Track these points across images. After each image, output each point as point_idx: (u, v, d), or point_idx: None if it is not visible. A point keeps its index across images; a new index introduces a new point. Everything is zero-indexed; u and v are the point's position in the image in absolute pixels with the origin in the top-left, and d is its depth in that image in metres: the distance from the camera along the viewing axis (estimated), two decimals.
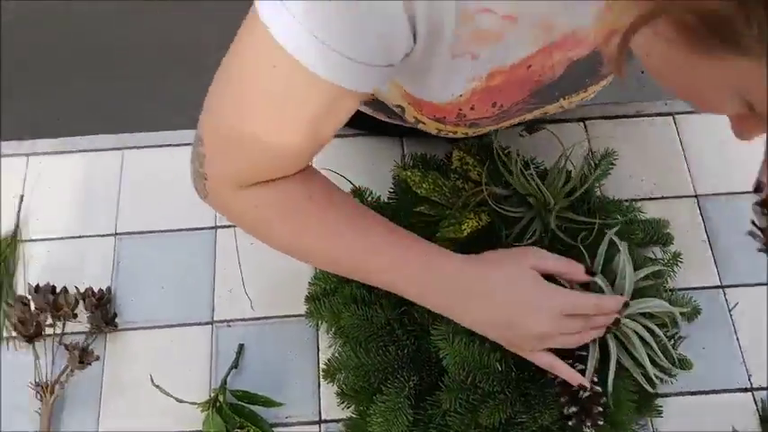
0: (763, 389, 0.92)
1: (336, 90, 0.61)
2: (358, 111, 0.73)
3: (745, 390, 0.92)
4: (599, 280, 0.82)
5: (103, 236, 1.01)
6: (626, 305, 0.80)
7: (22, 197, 1.02)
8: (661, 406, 0.88)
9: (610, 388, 0.82)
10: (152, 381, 0.87)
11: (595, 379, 0.82)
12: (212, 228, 1.01)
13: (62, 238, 1.00)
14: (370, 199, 0.98)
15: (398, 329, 0.86)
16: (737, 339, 0.95)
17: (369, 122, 0.99)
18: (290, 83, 0.61)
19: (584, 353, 0.82)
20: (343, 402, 0.88)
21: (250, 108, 0.65)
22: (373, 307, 0.87)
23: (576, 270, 0.79)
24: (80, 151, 1.06)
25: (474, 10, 0.60)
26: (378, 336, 0.86)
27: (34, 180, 1.04)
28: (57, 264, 0.99)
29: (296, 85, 0.61)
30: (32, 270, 0.98)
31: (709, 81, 0.46)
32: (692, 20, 0.42)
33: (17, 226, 1.00)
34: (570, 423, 0.81)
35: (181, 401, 0.87)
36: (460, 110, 0.75)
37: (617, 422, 0.84)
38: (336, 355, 0.88)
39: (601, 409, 0.80)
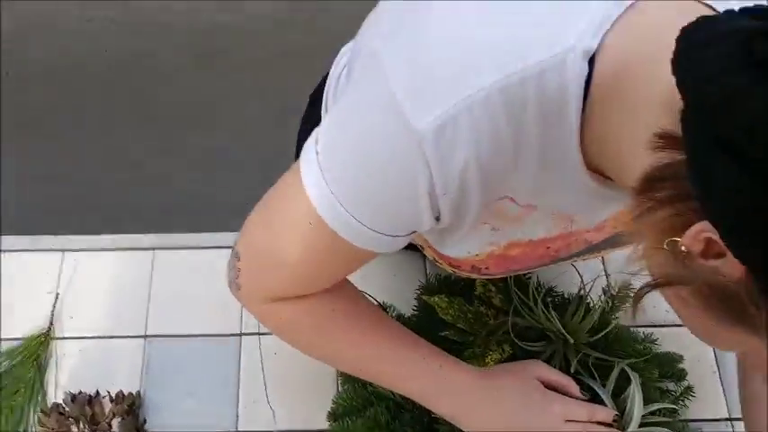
0: None
1: (365, 251, 0.67)
2: None
3: None
4: (609, 405, 0.89)
5: (134, 337, 1.03)
6: (617, 419, 0.88)
7: (57, 294, 1.05)
8: None
9: None
10: None
11: None
12: (238, 335, 1.04)
13: (94, 338, 1.03)
14: (393, 314, 1.01)
15: None
16: None
17: None
18: (323, 242, 0.67)
19: None
20: None
21: (284, 247, 0.71)
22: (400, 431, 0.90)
23: (573, 386, 0.88)
24: (114, 250, 1.09)
25: (499, 195, 0.64)
26: None
27: (69, 276, 1.07)
28: (88, 363, 1.01)
29: (327, 244, 0.67)
30: (63, 369, 1.01)
31: (721, 340, 0.51)
32: (706, 290, 0.47)
33: (51, 323, 1.03)
34: None
35: None
36: (474, 265, 0.79)
37: None
38: None
39: None
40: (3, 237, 1.09)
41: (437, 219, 0.64)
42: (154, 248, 1.10)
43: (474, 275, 0.86)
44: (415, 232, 0.68)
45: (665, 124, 0.49)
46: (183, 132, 2.28)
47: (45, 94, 2.31)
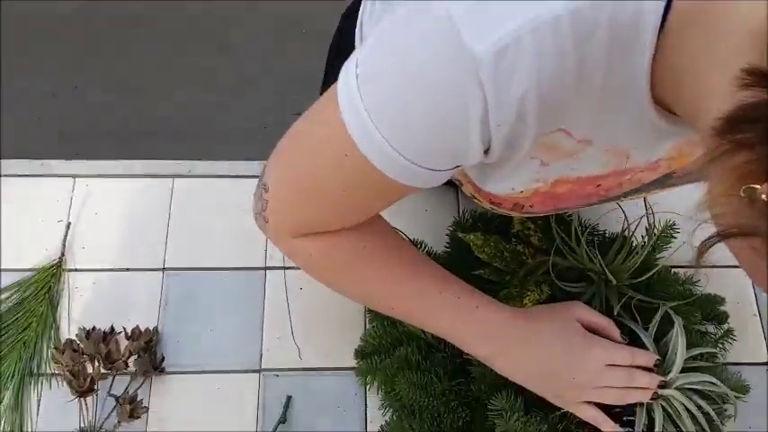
0: None
1: (402, 185, 0.61)
2: None
3: None
4: (651, 347, 0.85)
5: (151, 270, 0.99)
6: (659, 363, 0.84)
7: (69, 224, 0.99)
8: None
9: None
10: None
11: None
12: (262, 268, 0.99)
13: (108, 270, 0.98)
14: (424, 251, 0.96)
15: (454, 400, 0.85)
16: None
17: None
18: (357, 173, 0.62)
19: (632, 417, 0.83)
20: None
21: (315, 179, 0.66)
22: (428, 375, 0.86)
23: (614, 329, 0.84)
24: (130, 176, 1.03)
25: (555, 126, 0.59)
26: (433, 405, 0.85)
27: (80, 204, 1.01)
28: (102, 297, 0.97)
29: (362, 176, 0.62)
30: (76, 302, 0.96)
31: None
32: None
33: (63, 254, 0.98)
34: None
35: None
36: (517, 203, 0.74)
37: None
38: (389, 421, 0.88)
39: None
40: (6, 161, 1.03)
41: (486, 152, 0.59)
42: (173, 176, 1.04)
43: (515, 213, 0.80)
44: (458, 167, 0.62)
45: (753, 59, 0.43)
46: (197, 55, 2.20)
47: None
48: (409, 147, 0.58)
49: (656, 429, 0.83)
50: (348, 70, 0.58)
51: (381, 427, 0.88)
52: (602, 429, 0.82)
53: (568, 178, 0.69)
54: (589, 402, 0.81)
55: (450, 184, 1.00)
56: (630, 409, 0.84)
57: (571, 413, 0.83)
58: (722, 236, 0.48)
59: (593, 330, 0.83)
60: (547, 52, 0.50)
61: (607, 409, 0.82)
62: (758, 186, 0.43)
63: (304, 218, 0.72)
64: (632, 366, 0.82)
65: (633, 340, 0.86)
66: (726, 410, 0.91)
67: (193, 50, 2.21)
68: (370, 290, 0.80)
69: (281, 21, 2.24)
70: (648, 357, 0.84)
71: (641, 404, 0.83)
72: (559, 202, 0.74)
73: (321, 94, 1.03)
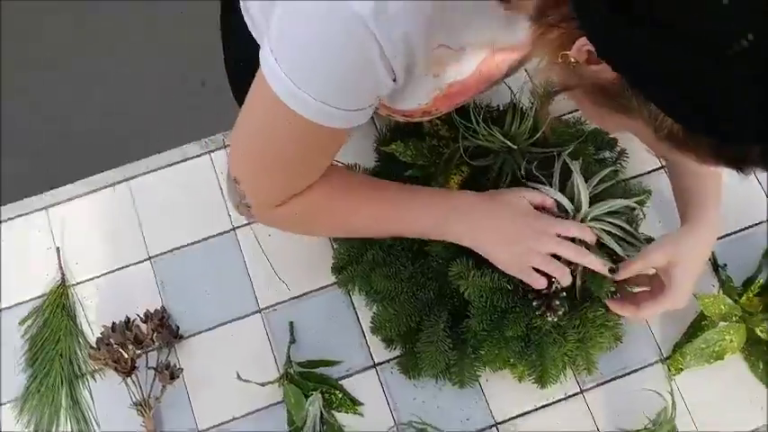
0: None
1: (342, 129, 0.78)
2: None
3: None
4: (561, 199, 1.01)
5: (140, 262, 1.14)
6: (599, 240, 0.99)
7: (58, 248, 1.13)
8: None
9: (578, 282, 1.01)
10: (238, 376, 1.04)
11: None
12: (231, 230, 1.15)
13: (105, 274, 1.13)
14: (360, 171, 1.13)
15: (421, 278, 1.04)
16: None
17: None
18: (306, 135, 0.78)
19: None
20: (390, 347, 1.07)
21: (275, 152, 0.82)
22: (395, 266, 1.04)
23: (550, 201, 0.98)
24: (92, 192, 1.17)
25: (435, 45, 0.75)
26: (406, 288, 1.04)
27: (60, 229, 1.15)
28: (109, 297, 1.12)
29: (311, 135, 0.78)
30: (90, 308, 1.11)
31: (614, 125, 0.66)
32: (594, 89, 0.62)
33: (63, 274, 1.12)
34: (538, 313, 0.99)
35: (263, 384, 1.05)
36: (425, 111, 0.91)
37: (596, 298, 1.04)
38: (376, 312, 1.06)
39: (558, 302, 0.98)
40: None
41: (394, 80, 0.75)
42: (127, 179, 1.18)
43: (425, 118, 0.97)
44: (378, 99, 0.78)
45: None
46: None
47: None
48: (337, 97, 0.74)
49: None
50: (267, 58, 0.73)
51: (372, 318, 1.06)
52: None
53: (456, 80, 0.86)
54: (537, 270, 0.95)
55: None
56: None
57: None
58: (556, 91, 0.67)
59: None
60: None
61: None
62: (568, 52, 0.61)
63: (278, 189, 0.87)
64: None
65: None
66: (637, 216, 1.11)
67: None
68: (352, 223, 0.97)
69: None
70: (587, 232, 0.97)
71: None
72: (456, 98, 0.91)
73: (226, 65, 1.16)
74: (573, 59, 0.61)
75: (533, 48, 0.66)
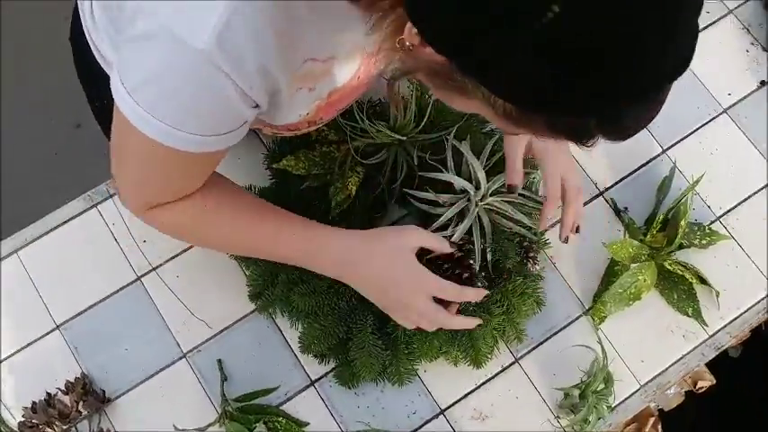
0: (609, 188, 1.17)
1: (212, 152, 0.75)
2: None
3: (596, 196, 1.17)
4: (460, 181, 1.01)
5: (48, 333, 1.09)
6: (487, 297, 0.99)
7: None
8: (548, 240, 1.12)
9: (488, 256, 1.03)
10: (175, 428, 1.01)
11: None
12: (136, 279, 1.11)
13: (14, 354, 1.08)
14: (256, 192, 1.10)
15: (340, 287, 1.03)
16: (576, 161, 1.18)
17: None
18: (171, 158, 0.75)
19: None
20: (323, 361, 1.06)
21: (141, 173, 0.81)
22: (311, 281, 1.03)
23: (445, 245, 0.91)
24: None
25: (301, 62, 0.74)
26: (326, 300, 1.03)
27: None
28: (24, 376, 1.07)
29: (175, 158, 0.75)
30: (5, 392, 1.06)
31: (459, 105, 0.66)
32: (431, 72, 0.62)
33: None
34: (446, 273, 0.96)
35: (202, 430, 1.02)
36: (310, 121, 0.89)
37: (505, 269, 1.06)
38: (302, 330, 1.05)
39: (480, 284, 0.97)
40: None
41: (256, 106, 0.73)
42: (15, 250, 1.12)
43: (312, 129, 0.95)
44: (246, 122, 0.76)
45: None
46: None
47: None
48: (192, 125, 0.71)
49: (486, 230, 1.03)
50: (118, 90, 0.70)
51: (299, 338, 1.05)
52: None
53: (336, 88, 0.84)
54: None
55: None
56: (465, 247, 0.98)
57: None
58: (397, 76, 0.67)
59: (429, 251, 0.91)
60: (254, 22, 0.64)
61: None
62: (403, 37, 0.61)
63: (145, 197, 0.85)
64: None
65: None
66: (534, 179, 1.13)
67: None
68: (222, 241, 0.94)
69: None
70: (476, 293, 0.91)
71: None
72: (339, 104, 0.90)
73: (86, 92, 1.11)
74: (408, 44, 0.61)
75: (375, 34, 0.65)
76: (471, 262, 0.96)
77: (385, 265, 0.89)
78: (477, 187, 1.02)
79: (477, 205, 1.01)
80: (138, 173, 0.82)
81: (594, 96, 0.54)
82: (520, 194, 1.05)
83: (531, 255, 1.08)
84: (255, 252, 0.97)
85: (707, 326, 1.12)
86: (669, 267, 1.11)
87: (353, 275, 0.92)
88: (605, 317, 1.11)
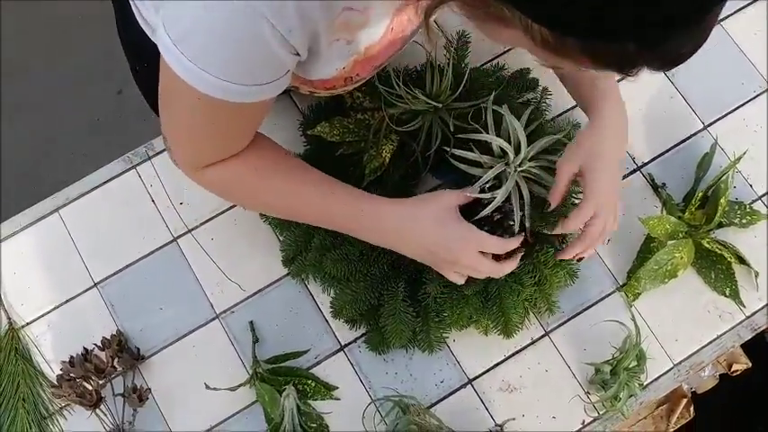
0: (647, 163, 1.15)
1: (255, 103, 0.77)
2: None
3: (634, 170, 1.15)
4: (501, 143, 1.00)
5: (86, 290, 1.11)
6: (525, 242, 0.97)
7: None
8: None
9: (518, 222, 0.99)
10: (206, 386, 1.03)
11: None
12: (172, 240, 1.13)
13: (53, 309, 1.10)
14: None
15: (372, 254, 1.03)
16: None
17: None
18: (217, 109, 0.77)
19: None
20: (354, 327, 1.07)
21: (191, 126, 0.83)
22: (344, 247, 1.03)
23: (476, 192, 0.95)
24: (21, 230, 1.13)
25: (339, 9, 0.74)
26: (359, 267, 1.03)
27: None
28: (61, 332, 1.09)
29: (220, 110, 0.77)
30: (44, 347, 1.09)
31: (501, 38, 0.66)
32: (470, 3, 0.62)
33: (9, 318, 1.09)
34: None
35: (233, 389, 1.04)
36: (346, 78, 0.89)
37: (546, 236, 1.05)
38: (334, 296, 1.06)
39: (512, 222, 0.97)
40: None
41: (297, 54, 0.75)
42: (57, 209, 1.14)
43: (348, 87, 0.95)
44: (288, 71, 0.77)
45: None
46: None
47: None
48: (235, 74, 0.72)
49: (524, 196, 1.02)
50: (163, 41, 0.72)
51: (331, 303, 1.06)
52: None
53: (372, 42, 0.84)
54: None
55: (285, 93, 1.15)
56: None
57: None
58: (430, 10, 0.69)
59: (470, 205, 0.95)
60: None
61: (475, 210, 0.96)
62: None
63: (197, 155, 0.88)
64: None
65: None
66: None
67: None
68: (270, 203, 0.96)
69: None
70: (517, 241, 0.95)
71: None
72: (375, 61, 0.90)
73: (127, 57, 1.13)
74: None
75: None
76: (511, 223, 0.96)
77: (433, 227, 0.91)
78: (517, 151, 1.01)
79: (515, 170, 1.00)
80: (184, 128, 0.84)
81: (634, 18, 0.53)
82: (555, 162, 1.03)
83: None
84: (300, 215, 0.98)
85: (744, 306, 1.10)
86: (707, 246, 1.09)
87: (400, 240, 0.94)
88: (639, 293, 1.09)
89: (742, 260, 1.10)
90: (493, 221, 0.95)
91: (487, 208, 0.98)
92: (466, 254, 0.91)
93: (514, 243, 0.95)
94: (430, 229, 0.92)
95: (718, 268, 1.11)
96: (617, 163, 0.99)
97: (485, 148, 1.00)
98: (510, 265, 0.96)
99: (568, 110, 1.18)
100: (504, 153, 1.00)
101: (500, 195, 0.99)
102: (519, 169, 1.01)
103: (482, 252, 0.92)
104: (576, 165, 0.96)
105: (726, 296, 1.10)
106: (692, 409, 1.33)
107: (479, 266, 0.93)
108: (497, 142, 1.00)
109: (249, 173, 0.90)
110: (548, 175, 1.02)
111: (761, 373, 1.38)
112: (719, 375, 1.37)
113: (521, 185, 1.01)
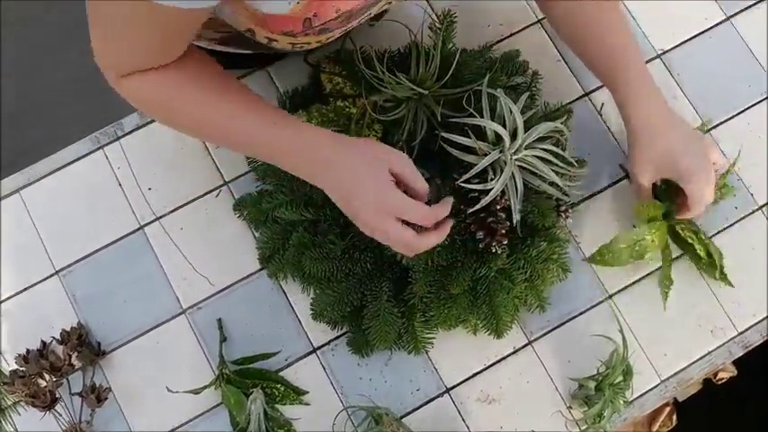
0: None
1: (174, 11, 0.71)
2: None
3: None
4: (496, 127, 0.94)
5: (46, 278, 1.05)
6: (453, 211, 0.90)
7: None
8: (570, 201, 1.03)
9: (516, 215, 0.96)
10: (168, 389, 0.98)
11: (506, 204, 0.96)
12: (139, 228, 1.06)
13: (11, 297, 1.04)
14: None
15: (354, 252, 0.97)
16: (612, 134, 1.10)
17: (235, 62, 1.05)
18: (137, 10, 0.72)
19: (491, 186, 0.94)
20: (335, 328, 1.02)
21: (112, 24, 0.77)
22: (325, 246, 0.97)
23: (419, 181, 0.86)
24: None
25: None
26: (340, 266, 0.97)
27: None
28: (18, 322, 1.03)
29: (141, 11, 0.72)
30: (1, 337, 1.03)
31: None
32: None
33: None
34: (480, 246, 0.94)
35: (197, 392, 0.99)
36: (305, 18, 0.82)
37: (541, 229, 1.00)
38: (314, 297, 1.00)
39: (504, 231, 0.94)
40: None
41: None
42: (18, 189, 1.07)
43: (311, 37, 0.88)
44: None
45: None
46: None
47: None
48: None
49: (518, 186, 0.96)
50: None
51: (311, 305, 1.00)
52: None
53: None
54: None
55: (264, 72, 1.07)
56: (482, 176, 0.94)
57: None
58: None
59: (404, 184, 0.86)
60: None
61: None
62: None
63: (117, 58, 0.82)
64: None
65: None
66: (563, 135, 1.04)
67: None
68: (192, 121, 0.88)
69: None
70: (446, 207, 0.87)
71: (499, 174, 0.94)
72: (337, 1, 0.82)
73: None
74: None
75: None
76: (502, 216, 0.94)
77: (356, 173, 0.84)
78: (514, 137, 0.95)
79: (511, 158, 0.94)
80: (109, 30, 0.78)
81: None
82: (550, 151, 0.98)
83: (563, 209, 1.01)
84: (222, 140, 0.91)
85: (733, 287, 1.04)
86: (680, 232, 1.03)
87: (326, 170, 0.85)
88: (599, 262, 1.03)
89: (710, 257, 1.03)
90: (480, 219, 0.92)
91: (488, 196, 0.92)
92: (383, 220, 0.83)
93: (442, 211, 0.86)
94: (353, 175, 0.84)
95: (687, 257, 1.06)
96: (689, 144, 0.97)
97: (477, 137, 0.95)
98: (430, 240, 0.86)
99: (568, 104, 1.11)
100: (498, 140, 0.94)
101: (498, 184, 0.93)
102: (514, 158, 0.95)
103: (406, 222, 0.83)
104: (653, 175, 0.97)
105: (716, 279, 1.04)
106: (674, 417, 1.30)
107: (391, 233, 0.83)
108: (493, 127, 0.94)
109: (170, 86, 0.84)
110: (543, 164, 0.96)
111: (746, 379, 1.35)
112: (703, 382, 1.33)
113: (515, 175, 0.95)
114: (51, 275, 1.05)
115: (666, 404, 1.27)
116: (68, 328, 1.01)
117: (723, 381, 1.35)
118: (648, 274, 1.06)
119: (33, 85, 2.08)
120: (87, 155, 1.09)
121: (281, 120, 0.87)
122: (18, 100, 2.06)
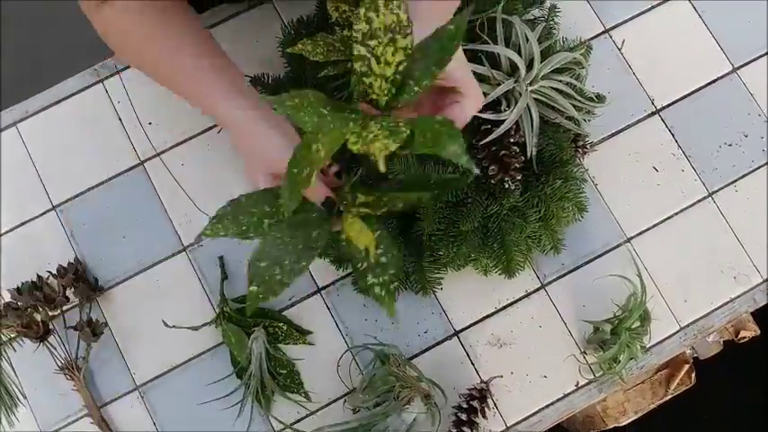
0: (666, 107, 1.04)
1: None
2: None
3: (652, 113, 1.04)
4: (512, 55, 0.89)
5: (44, 213, 1.02)
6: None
7: None
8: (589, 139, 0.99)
9: (533, 150, 0.92)
10: (165, 324, 0.94)
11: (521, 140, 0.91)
12: (139, 164, 1.03)
13: (7, 232, 1.01)
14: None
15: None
16: (633, 73, 1.05)
17: None
18: None
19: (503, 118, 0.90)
20: (340, 267, 0.97)
21: None
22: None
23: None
24: None
25: None
26: None
27: None
28: (15, 256, 1.00)
29: None
30: None
31: None
32: None
33: None
34: (492, 182, 0.90)
35: (196, 328, 0.95)
36: None
37: (556, 164, 0.94)
38: None
39: (518, 165, 0.90)
40: None
41: None
42: (14, 123, 1.04)
43: None
44: None
45: None
46: None
47: None
48: None
49: (534, 119, 0.91)
50: None
51: None
52: None
53: None
54: None
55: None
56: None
57: None
58: None
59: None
60: None
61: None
62: None
63: None
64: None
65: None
66: (582, 68, 0.99)
67: None
68: (138, 59, 0.83)
69: None
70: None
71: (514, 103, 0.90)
72: None
73: None
74: None
75: None
76: (517, 150, 0.90)
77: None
78: (530, 66, 0.90)
79: (527, 89, 0.89)
80: None
81: None
82: (568, 83, 0.93)
83: (581, 144, 0.96)
84: (163, 82, 0.83)
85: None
86: None
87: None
88: None
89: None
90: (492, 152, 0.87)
91: (500, 128, 0.88)
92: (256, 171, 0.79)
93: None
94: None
95: None
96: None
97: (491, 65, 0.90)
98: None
99: (588, 41, 1.06)
100: (513, 70, 0.90)
101: (513, 115, 0.89)
102: (530, 88, 0.90)
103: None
104: None
105: None
106: (693, 375, 1.25)
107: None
108: (508, 54, 0.90)
109: (135, 24, 0.78)
110: (561, 97, 0.92)
111: None
112: (724, 342, 1.28)
113: (531, 107, 0.91)
114: (48, 210, 1.02)
115: (685, 361, 1.22)
116: (65, 264, 0.97)
117: (745, 340, 1.30)
118: (669, 217, 1.01)
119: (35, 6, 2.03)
120: (87, 88, 1.05)
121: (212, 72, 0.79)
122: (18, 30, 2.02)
